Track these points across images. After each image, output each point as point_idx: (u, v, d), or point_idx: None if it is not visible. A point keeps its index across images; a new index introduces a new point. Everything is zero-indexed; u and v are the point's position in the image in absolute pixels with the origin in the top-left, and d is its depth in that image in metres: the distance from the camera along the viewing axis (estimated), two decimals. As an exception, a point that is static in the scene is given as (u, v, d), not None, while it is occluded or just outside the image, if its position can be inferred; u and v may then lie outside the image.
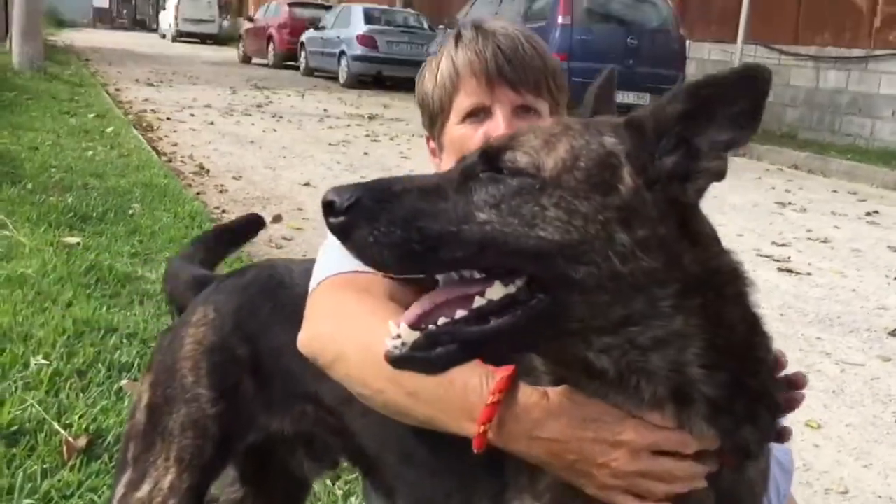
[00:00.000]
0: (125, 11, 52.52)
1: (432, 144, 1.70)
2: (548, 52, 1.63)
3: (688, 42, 14.22)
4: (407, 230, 1.00)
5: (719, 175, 1.07)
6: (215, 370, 1.53)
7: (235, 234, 2.06)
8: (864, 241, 6.86)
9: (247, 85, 17.56)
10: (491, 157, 1.08)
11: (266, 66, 24.47)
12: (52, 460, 2.39)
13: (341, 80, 19.71)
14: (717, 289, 1.10)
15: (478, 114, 1.57)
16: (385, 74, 19.12)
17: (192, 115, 11.92)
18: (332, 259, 1.43)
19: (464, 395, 1.18)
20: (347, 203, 1.00)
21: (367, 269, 1.10)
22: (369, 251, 1.02)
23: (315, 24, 22.00)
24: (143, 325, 3.39)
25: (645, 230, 1.04)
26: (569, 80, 1.75)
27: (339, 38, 19.96)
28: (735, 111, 1.03)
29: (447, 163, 1.57)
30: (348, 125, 12.19)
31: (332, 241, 1.36)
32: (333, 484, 2.53)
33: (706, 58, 15.94)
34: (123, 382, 2.88)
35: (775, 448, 1.82)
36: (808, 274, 5.68)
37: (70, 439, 2.47)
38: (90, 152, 7.42)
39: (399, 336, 1.05)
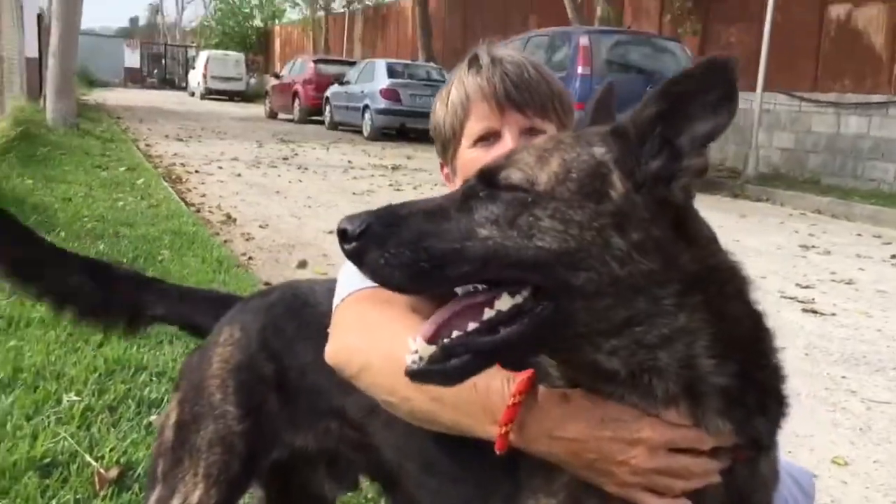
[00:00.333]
0: (155, 71, 53.78)
1: (446, 170, 1.77)
2: (553, 77, 1.69)
3: (708, 91, 14.34)
4: (415, 251, 1.08)
5: (700, 172, 1.12)
6: (242, 388, 1.58)
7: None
8: (889, 282, 6.82)
9: (273, 139, 17.91)
10: (488, 177, 1.15)
11: (292, 121, 24.94)
12: (84, 491, 2.45)
13: (365, 133, 20.03)
14: (718, 285, 1.14)
15: (488, 138, 1.64)
16: (408, 126, 19.42)
17: (220, 167, 12.17)
18: (353, 276, 1.49)
19: (486, 398, 1.23)
20: (359, 230, 1.08)
21: None
22: (381, 272, 1.09)
23: (339, 79, 22.43)
24: (172, 363, 3.46)
25: (639, 233, 1.09)
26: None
27: (363, 92, 20.33)
28: (709, 100, 1.08)
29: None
30: (372, 175, 12.36)
31: None
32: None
33: (726, 106, 16.02)
34: (152, 418, 2.94)
35: (796, 470, 1.85)
36: (833, 314, 5.66)
37: (101, 471, 2.53)
38: (121, 203, 7.60)
39: (416, 351, 1.11)
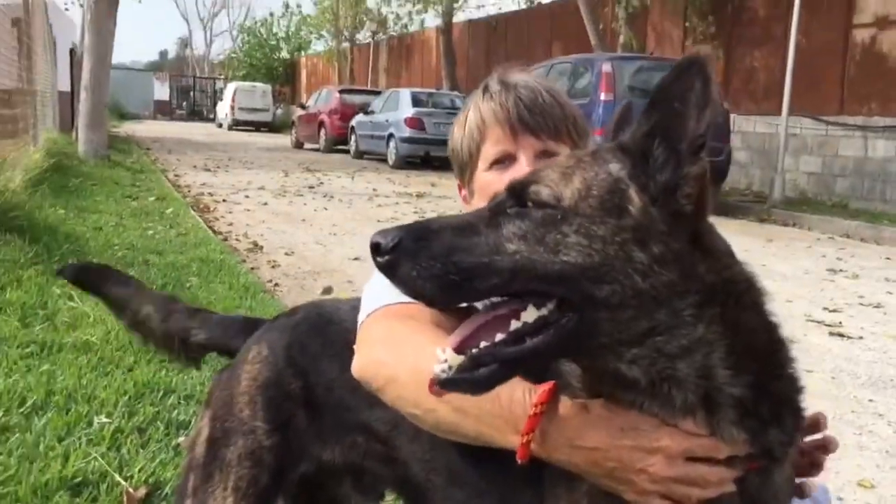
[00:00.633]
0: (184, 103, 54.63)
1: (464, 192, 1.82)
2: (567, 101, 1.74)
3: (732, 115, 14.34)
4: (445, 264, 1.11)
5: (700, 179, 1.15)
6: (270, 404, 1.63)
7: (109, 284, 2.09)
8: (918, 306, 6.75)
9: (299, 168, 18.11)
10: (517, 192, 1.19)
11: (317, 150, 25.21)
12: (113, 510, 2.50)
13: (390, 162, 20.20)
14: (735, 297, 1.17)
15: (503, 161, 1.68)
16: (432, 154, 19.51)
17: (247, 196, 12.32)
18: (378, 293, 1.53)
19: (509, 408, 1.26)
20: (392, 244, 1.12)
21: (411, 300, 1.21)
22: (413, 284, 1.13)
23: (364, 108, 22.67)
24: (200, 387, 3.51)
25: (659, 246, 1.13)
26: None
27: (387, 121, 20.54)
28: (693, 100, 1.12)
29: (477, 207, 1.68)
30: (397, 203, 12.46)
31: (377, 279, 1.48)
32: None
33: (752, 130, 16.02)
34: (181, 439, 2.99)
35: (814, 488, 1.85)
36: (861, 338, 5.61)
37: (130, 490, 2.58)
38: (150, 232, 7.72)
39: (445, 360, 1.15)
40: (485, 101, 1.71)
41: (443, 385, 1.15)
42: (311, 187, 14.27)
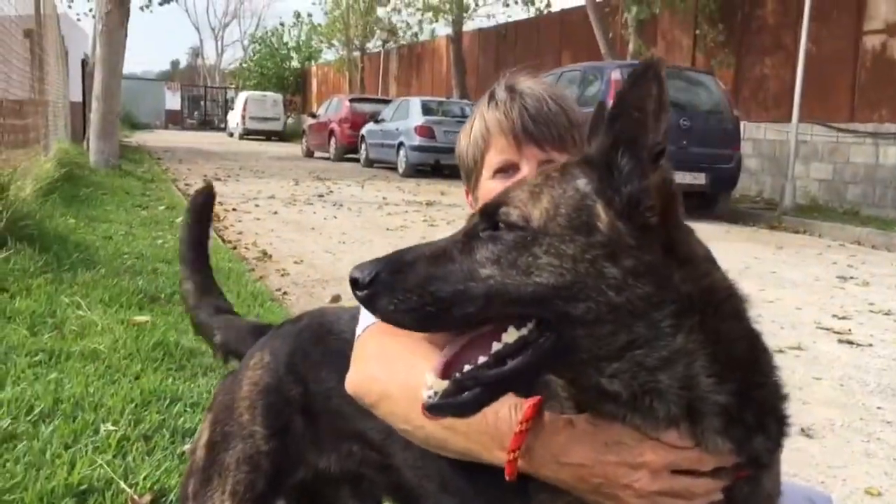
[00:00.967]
0: (195, 113, 54.93)
1: (470, 198, 1.83)
2: (573, 108, 1.74)
3: (743, 123, 14.32)
4: (421, 295, 1.13)
5: (661, 189, 1.14)
6: (269, 409, 1.64)
7: (201, 228, 2.08)
8: (929, 313, 6.71)
9: (309, 177, 18.18)
10: (489, 214, 1.19)
11: (328, 159, 25.30)
12: (118, 517, 2.51)
13: (400, 170, 20.26)
14: (714, 306, 1.16)
15: (507, 170, 1.69)
16: (442, 163, 19.55)
17: (257, 205, 12.38)
18: None
19: (495, 425, 1.27)
20: (368, 278, 1.13)
21: None
22: (392, 317, 1.15)
23: (375, 117, 22.75)
24: (206, 395, 3.52)
25: (630, 260, 1.12)
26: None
27: (397, 129, 20.60)
28: (651, 105, 1.11)
29: None
30: (406, 212, 12.49)
31: None
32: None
33: (762, 137, 15.99)
34: (186, 447, 3.00)
35: (814, 494, 1.85)
36: (870, 345, 5.57)
37: (135, 497, 2.59)
38: (160, 241, 7.76)
39: (431, 386, 1.17)
40: (490, 110, 1.71)
41: (430, 410, 1.17)
42: (321, 196, 14.32)
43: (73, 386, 3.48)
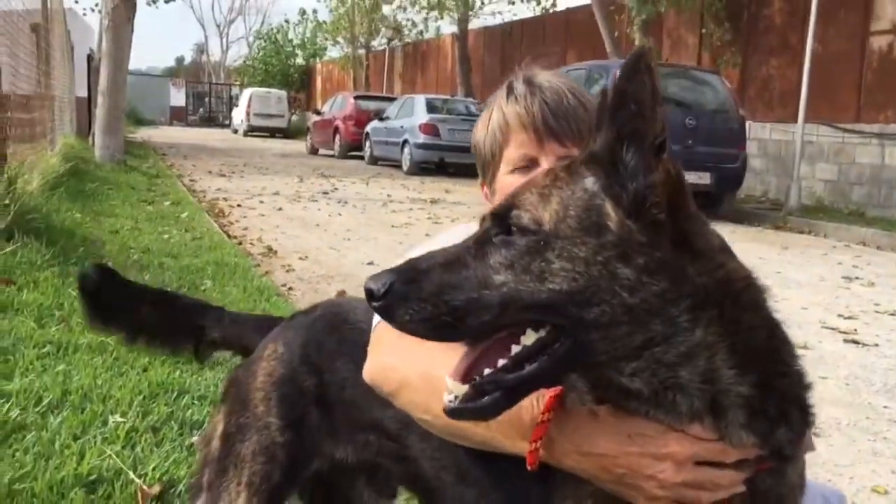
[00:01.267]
0: (200, 109, 54.94)
1: (485, 189, 1.82)
2: (591, 102, 1.71)
3: (748, 123, 14.29)
4: (436, 304, 1.13)
5: (666, 185, 1.13)
6: (284, 400, 1.64)
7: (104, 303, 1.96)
8: (935, 313, 6.70)
9: (314, 174, 18.18)
10: (501, 218, 1.19)
11: (332, 156, 25.29)
12: (127, 507, 2.52)
13: (404, 168, 20.25)
14: (732, 297, 1.16)
15: (526, 165, 1.67)
16: (447, 161, 19.60)
17: (262, 201, 12.38)
18: None
19: (517, 415, 1.27)
20: (383, 289, 1.14)
21: None
22: (408, 327, 1.15)
23: (379, 115, 22.74)
24: (213, 387, 3.53)
25: (643, 258, 1.11)
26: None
27: (402, 127, 20.59)
28: (647, 97, 1.10)
29: None
30: (411, 209, 12.49)
31: None
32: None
33: (767, 137, 15.96)
34: (194, 439, 3.00)
35: (828, 491, 1.84)
36: (876, 345, 5.57)
37: (144, 487, 2.60)
38: (166, 235, 7.77)
39: (451, 391, 1.18)
40: (509, 103, 1.70)
41: (450, 415, 1.19)
42: (326, 193, 14.33)
43: (82, 377, 3.49)
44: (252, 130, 38.11)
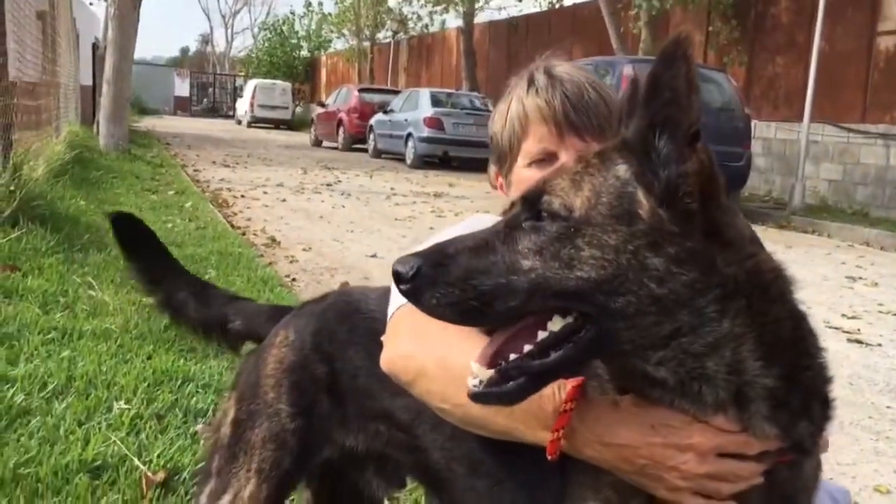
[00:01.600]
0: (204, 99, 54.90)
1: (500, 180, 1.80)
2: (611, 95, 1.70)
3: (753, 121, 14.26)
4: (464, 289, 1.13)
5: (699, 174, 1.12)
6: (295, 387, 1.63)
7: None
8: (939, 314, 6.69)
9: (317, 166, 18.18)
10: (531, 203, 1.18)
11: (336, 148, 25.27)
12: (131, 493, 2.51)
13: (408, 161, 20.23)
14: (761, 288, 1.15)
15: (545, 159, 1.66)
16: (451, 155, 19.57)
17: (265, 192, 12.38)
18: None
19: (538, 404, 1.26)
20: (411, 272, 1.14)
21: None
22: (435, 311, 1.15)
23: (384, 108, 22.71)
24: (218, 376, 3.53)
25: (673, 247, 1.11)
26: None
27: (406, 120, 20.56)
28: (683, 85, 1.09)
29: (512, 200, 1.68)
30: (414, 202, 12.48)
31: None
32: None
33: (772, 136, 15.93)
34: (199, 426, 3.01)
35: (833, 488, 1.84)
36: (879, 345, 5.57)
37: (149, 474, 2.60)
38: (170, 224, 7.77)
39: (476, 375, 1.17)
40: (529, 95, 1.68)
41: (474, 399, 1.18)
42: (329, 185, 14.32)
43: (86, 364, 3.50)
44: (256, 122, 38.06)
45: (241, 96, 42.70)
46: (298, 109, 40.80)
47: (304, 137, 30.00)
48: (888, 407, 4.31)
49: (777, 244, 10.33)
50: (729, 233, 1.16)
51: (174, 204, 9.33)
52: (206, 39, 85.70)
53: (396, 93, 24.95)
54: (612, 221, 1.12)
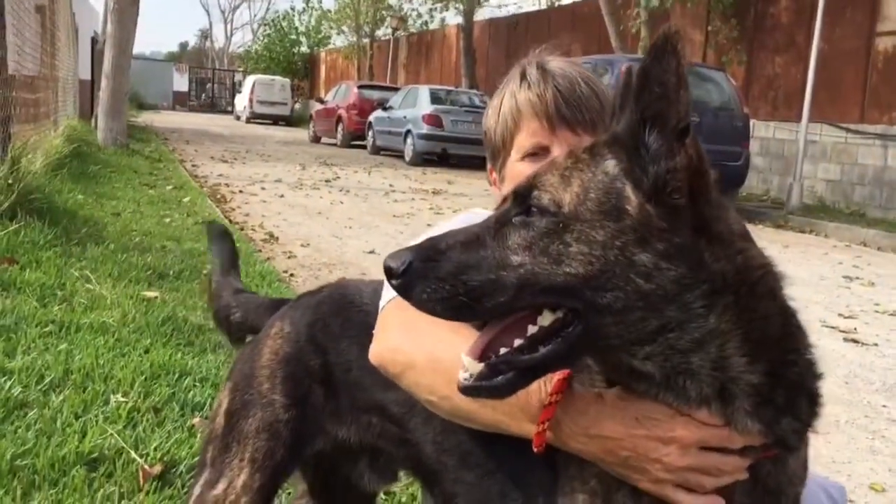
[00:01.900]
0: (203, 95, 54.84)
1: (494, 175, 1.81)
2: (604, 90, 1.71)
3: (752, 121, 14.28)
4: (454, 285, 1.14)
5: (688, 169, 1.12)
6: (289, 378, 1.64)
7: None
8: (935, 314, 6.71)
9: (316, 162, 18.18)
10: (521, 198, 1.19)
11: (335, 145, 25.27)
12: (128, 485, 2.52)
13: (407, 158, 20.22)
14: (749, 284, 1.15)
15: (537, 153, 1.67)
16: (450, 152, 19.57)
17: (264, 188, 12.38)
18: None
19: (524, 397, 1.27)
20: (402, 267, 1.14)
21: None
22: (425, 306, 1.16)
23: (383, 104, 22.70)
24: (215, 370, 3.54)
25: (661, 243, 1.11)
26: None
27: (405, 117, 20.56)
28: (673, 80, 1.09)
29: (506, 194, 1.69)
30: (412, 199, 12.48)
31: None
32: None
33: (771, 136, 15.95)
34: (195, 420, 3.02)
35: (829, 484, 1.85)
36: (875, 345, 5.58)
37: (146, 466, 2.60)
38: (168, 219, 7.78)
39: (467, 368, 1.18)
40: (522, 90, 1.69)
41: (464, 392, 1.19)
42: (328, 181, 14.32)
43: (84, 357, 3.50)
44: (255, 117, 38.05)
45: (240, 92, 42.68)
46: (297, 105, 40.81)
47: (302, 134, 29.98)
48: (884, 406, 4.33)
49: (774, 244, 10.36)
50: (718, 228, 1.16)
51: (172, 199, 9.34)
52: (206, 35, 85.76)
53: (396, 90, 24.93)
54: (600, 217, 1.12)
